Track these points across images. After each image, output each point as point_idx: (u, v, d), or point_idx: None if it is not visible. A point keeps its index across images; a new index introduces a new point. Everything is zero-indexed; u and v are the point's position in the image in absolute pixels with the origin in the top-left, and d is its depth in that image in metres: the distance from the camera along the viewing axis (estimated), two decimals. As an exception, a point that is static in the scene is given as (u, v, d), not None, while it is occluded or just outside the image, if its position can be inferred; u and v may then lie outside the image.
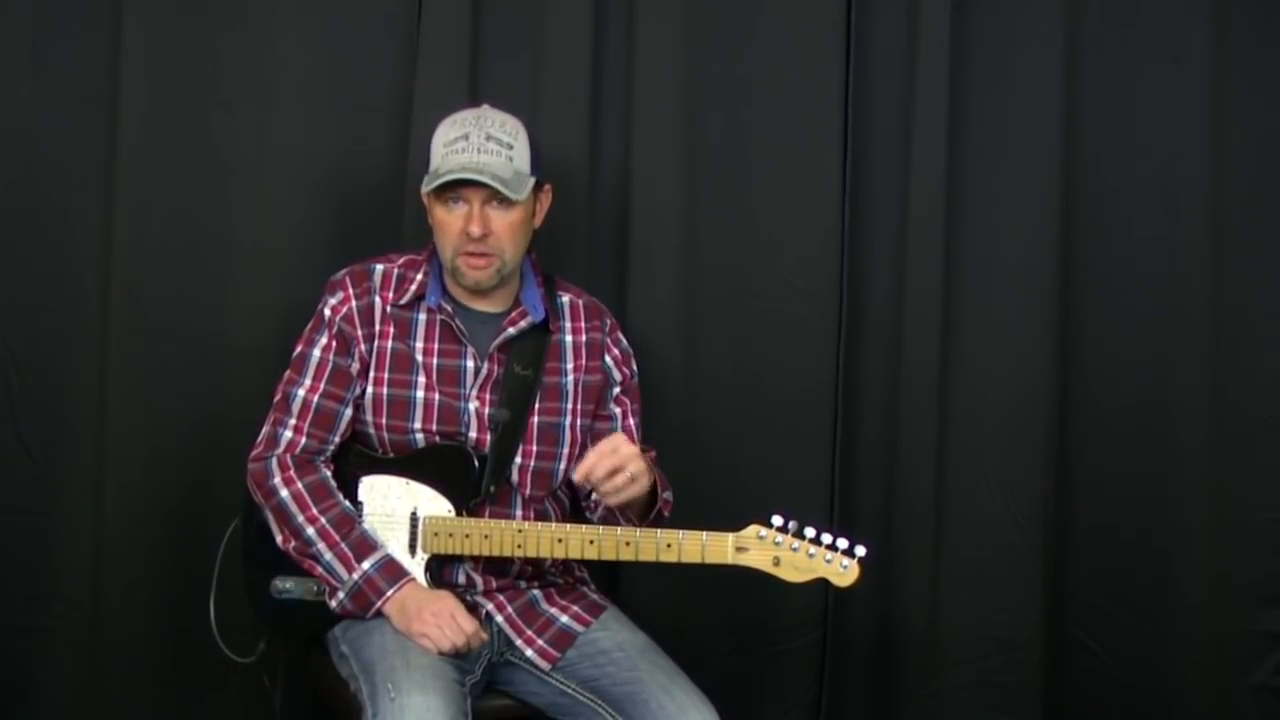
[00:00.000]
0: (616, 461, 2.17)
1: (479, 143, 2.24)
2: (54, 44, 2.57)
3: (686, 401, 2.71)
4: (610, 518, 2.31)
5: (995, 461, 2.75)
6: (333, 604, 2.23)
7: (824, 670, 2.78)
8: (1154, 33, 2.76)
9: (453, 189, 2.25)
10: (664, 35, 2.67)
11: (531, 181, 2.29)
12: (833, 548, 2.19)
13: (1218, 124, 2.75)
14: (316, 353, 2.30)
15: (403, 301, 2.31)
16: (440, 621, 2.16)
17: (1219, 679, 2.78)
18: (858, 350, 2.76)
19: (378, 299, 2.31)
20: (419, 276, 2.33)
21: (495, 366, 2.31)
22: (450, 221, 2.26)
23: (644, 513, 2.29)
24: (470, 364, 2.31)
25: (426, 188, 2.26)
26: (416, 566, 2.26)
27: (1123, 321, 2.79)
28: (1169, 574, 2.78)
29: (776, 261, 2.75)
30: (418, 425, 2.28)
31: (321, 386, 2.28)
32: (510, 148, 2.27)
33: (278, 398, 2.31)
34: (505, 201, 2.25)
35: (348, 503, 2.27)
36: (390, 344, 2.30)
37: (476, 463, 2.26)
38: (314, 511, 2.24)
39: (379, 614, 2.21)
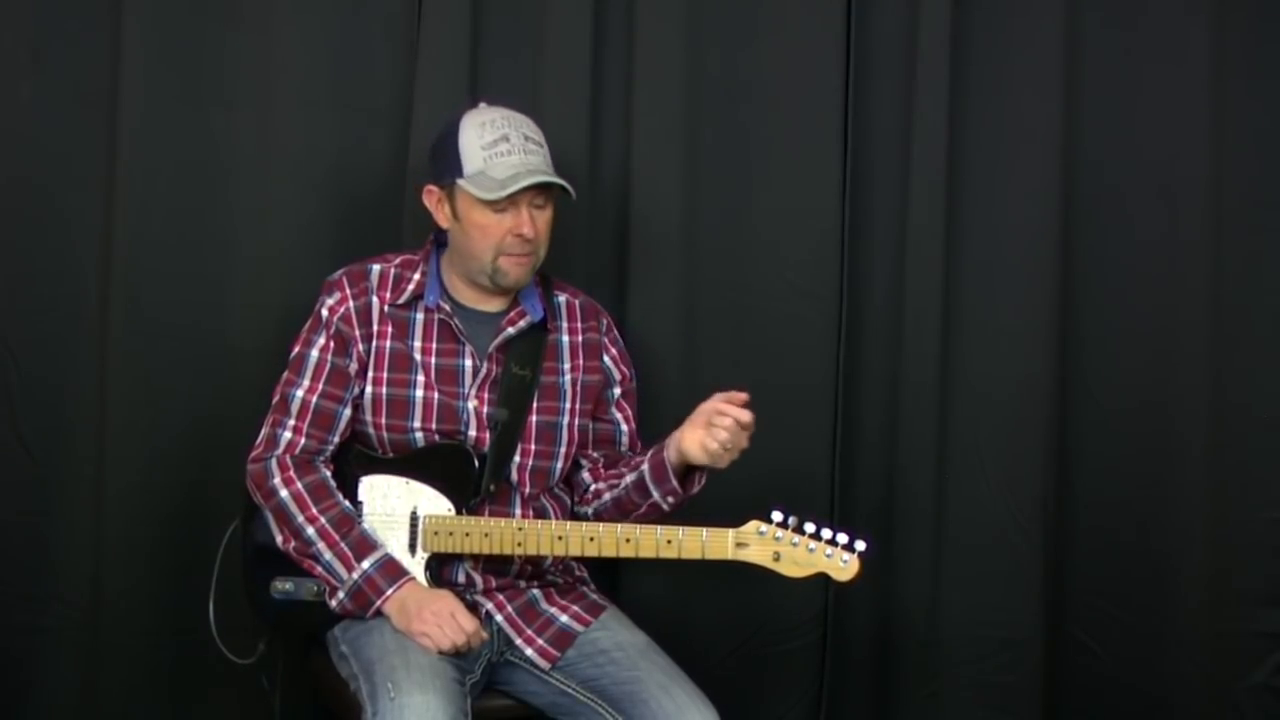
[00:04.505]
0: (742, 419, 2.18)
1: (520, 144, 2.25)
2: (54, 44, 2.57)
3: (686, 401, 2.66)
4: (614, 508, 2.33)
5: (995, 461, 2.75)
6: (333, 604, 2.24)
7: (824, 670, 2.78)
8: (1154, 33, 2.76)
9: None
10: (664, 35, 2.68)
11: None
12: (833, 542, 2.20)
13: (1218, 124, 2.75)
14: (314, 353, 2.30)
15: (400, 301, 2.31)
16: (440, 620, 2.17)
17: (1219, 679, 2.78)
18: (858, 350, 2.76)
19: (375, 299, 2.31)
20: (416, 276, 2.33)
21: (494, 366, 2.31)
22: (494, 224, 2.25)
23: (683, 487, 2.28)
24: (469, 363, 2.31)
25: (495, 193, 2.22)
26: (416, 566, 2.26)
27: (1123, 321, 2.79)
28: (1169, 574, 2.78)
29: (776, 261, 2.75)
30: (417, 424, 2.28)
31: (320, 387, 2.28)
32: (542, 146, 2.29)
33: (276, 399, 2.31)
34: (545, 201, 2.27)
35: (347, 502, 2.27)
36: (388, 344, 2.30)
37: (476, 461, 2.26)
38: (314, 511, 2.24)
39: (379, 613, 2.21)
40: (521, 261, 2.28)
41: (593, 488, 2.39)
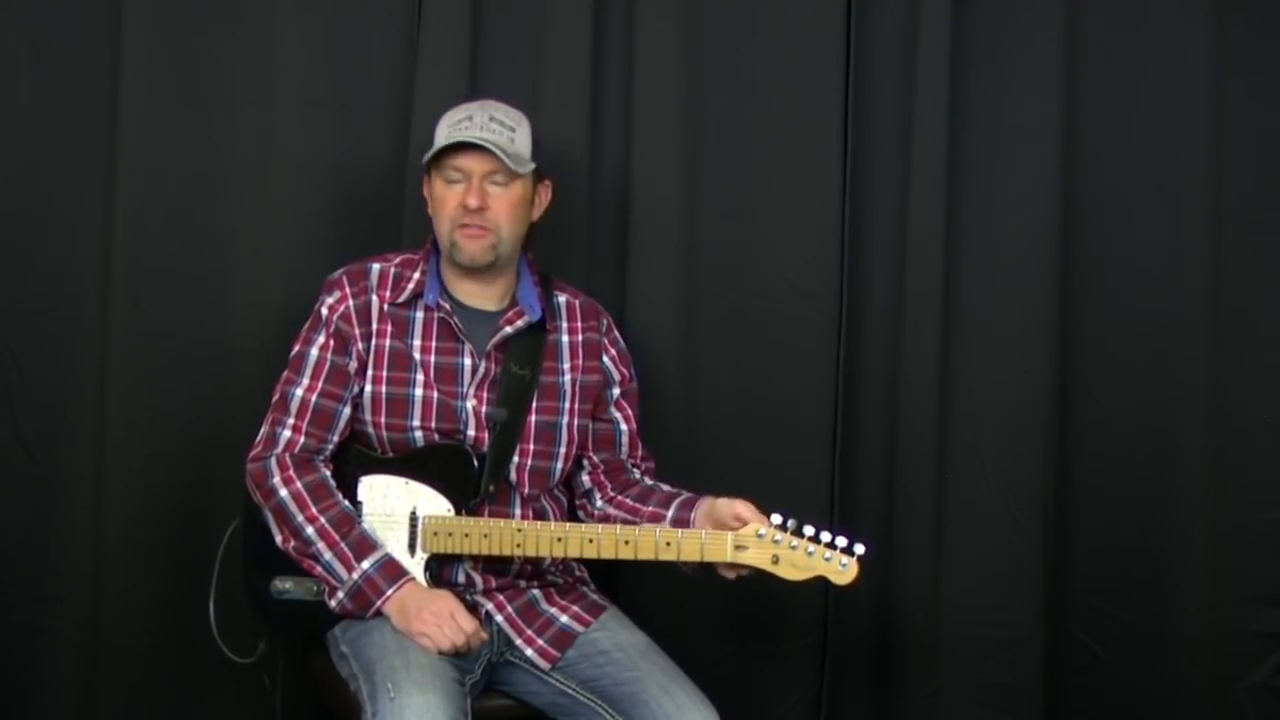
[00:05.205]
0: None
1: (482, 122, 2.28)
2: (54, 44, 2.57)
3: (686, 401, 2.71)
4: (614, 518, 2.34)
5: (995, 462, 2.75)
6: (332, 604, 2.23)
7: (824, 670, 2.78)
8: (1154, 33, 2.76)
9: (454, 162, 2.27)
10: (664, 34, 2.68)
11: (532, 166, 2.31)
12: (832, 545, 2.19)
13: (1218, 124, 2.74)
14: (314, 352, 2.30)
15: (400, 300, 2.31)
16: (440, 621, 2.17)
17: (1219, 679, 2.78)
18: (858, 350, 2.76)
19: (375, 298, 2.31)
20: (416, 275, 2.33)
21: (493, 365, 2.31)
22: (449, 196, 2.28)
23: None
24: (468, 362, 2.31)
25: (427, 157, 2.29)
26: (416, 566, 2.26)
27: (1123, 321, 2.79)
28: (1169, 574, 2.78)
29: (776, 261, 2.75)
30: (416, 423, 2.28)
31: (320, 385, 2.29)
32: (513, 130, 2.30)
33: (276, 397, 2.31)
34: (505, 179, 2.27)
35: (347, 502, 2.27)
36: (388, 342, 2.30)
37: (475, 462, 2.26)
38: (313, 511, 2.24)
39: (379, 613, 2.21)
40: (472, 235, 2.27)
41: (599, 508, 2.39)
